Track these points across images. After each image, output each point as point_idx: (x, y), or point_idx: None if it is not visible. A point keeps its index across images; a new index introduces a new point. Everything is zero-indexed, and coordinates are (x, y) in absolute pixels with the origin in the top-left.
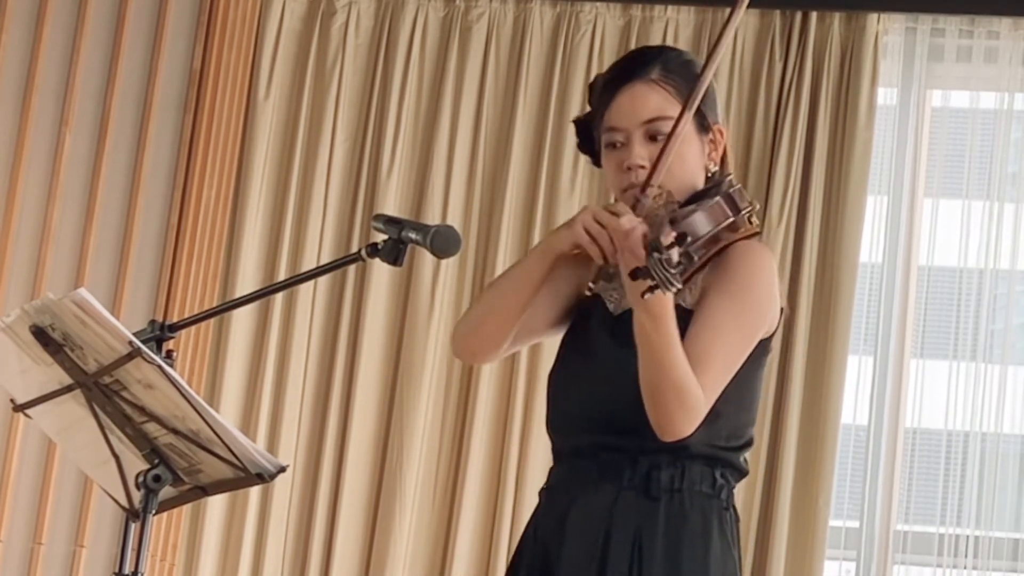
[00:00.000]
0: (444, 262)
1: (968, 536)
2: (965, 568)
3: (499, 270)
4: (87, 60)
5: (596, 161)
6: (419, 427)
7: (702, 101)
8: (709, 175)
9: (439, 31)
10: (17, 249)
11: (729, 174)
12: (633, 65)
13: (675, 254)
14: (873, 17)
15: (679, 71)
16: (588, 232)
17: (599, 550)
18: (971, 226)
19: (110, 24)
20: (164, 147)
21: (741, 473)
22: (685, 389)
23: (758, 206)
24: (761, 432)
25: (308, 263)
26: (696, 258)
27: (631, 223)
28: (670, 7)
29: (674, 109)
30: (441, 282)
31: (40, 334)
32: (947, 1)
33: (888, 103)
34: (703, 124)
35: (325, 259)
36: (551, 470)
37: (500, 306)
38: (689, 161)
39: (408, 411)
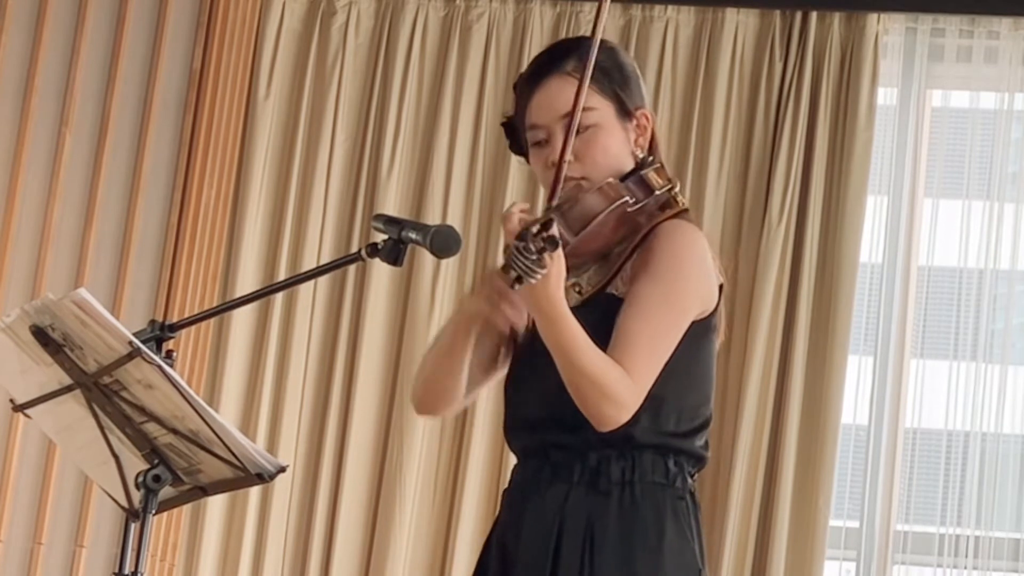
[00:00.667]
0: (444, 262)
1: (968, 536)
2: (965, 568)
3: None
4: (87, 60)
5: (529, 161)
6: (419, 427)
7: (620, 87)
8: (638, 162)
9: (439, 31)
10: (17, 249)
11: (651, 156)
12: (550, 59)
13: (538, 242)
14: (873, 17)
15: (597, 60)
16: None
17: (552, 546)
18: (971, 226)
19: (110, 24)
20: (164, 147)
21: (698, 459)
22: (603, 380)
23: (678, 184)
24: (761, 432)
25: (308, 263)
26: (560, 242)
27: (506, 214)
28: (670, 7)
29: (593, 100)
30: (441, 282)
31: (40, 334)
32: (947, 1)
33: (888, 103)
34: (624, 110)
35: (325, 259)
36: (512, 472)
37: (441, 364)
38: (613, 150)
39: (408, 411)
